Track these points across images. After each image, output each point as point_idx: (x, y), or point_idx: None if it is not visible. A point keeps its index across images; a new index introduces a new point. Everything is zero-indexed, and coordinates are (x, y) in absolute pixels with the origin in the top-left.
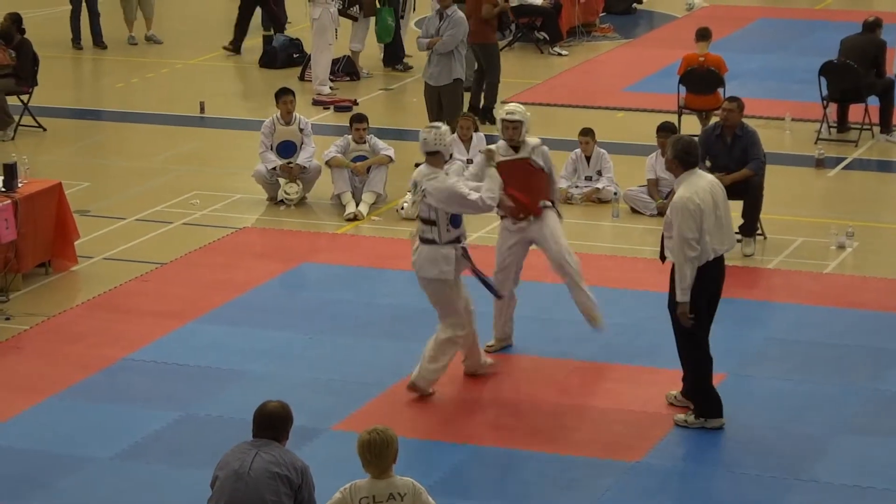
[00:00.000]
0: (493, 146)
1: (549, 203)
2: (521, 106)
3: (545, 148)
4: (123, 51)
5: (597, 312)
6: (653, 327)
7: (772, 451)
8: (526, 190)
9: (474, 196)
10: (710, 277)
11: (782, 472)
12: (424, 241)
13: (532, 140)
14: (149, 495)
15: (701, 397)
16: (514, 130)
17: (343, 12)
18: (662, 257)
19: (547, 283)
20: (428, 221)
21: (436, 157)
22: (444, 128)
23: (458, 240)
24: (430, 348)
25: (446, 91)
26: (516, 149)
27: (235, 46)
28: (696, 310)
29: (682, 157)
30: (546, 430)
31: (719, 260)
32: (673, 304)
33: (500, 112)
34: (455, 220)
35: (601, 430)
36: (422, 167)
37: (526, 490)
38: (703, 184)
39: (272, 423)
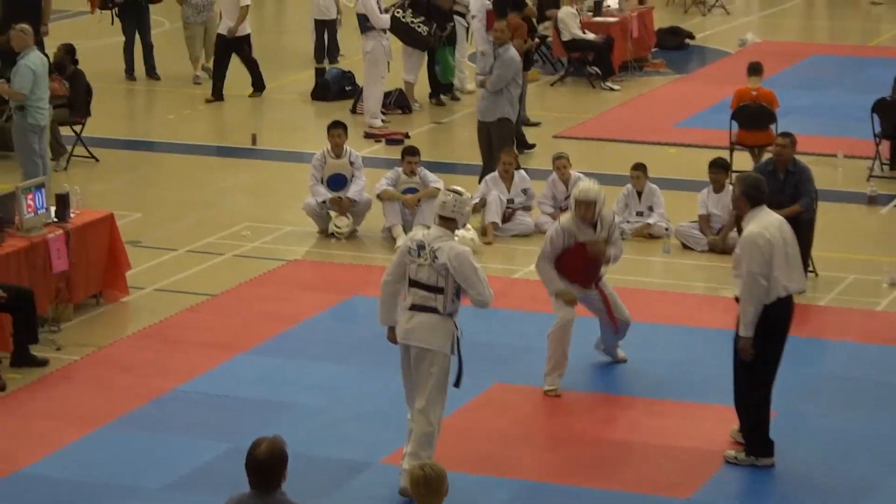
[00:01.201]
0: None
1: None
2: (595, 184)
3: (613, 214)
4: (176, 83)
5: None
6: (704, 363)
7: (822, 489)
8: (585, 270)
9: (484, 277)
10: (780, 316)
11: None
12: (423, 308)
13: (607, 214)
14: None
15: (755, 437)
16: (587, 210)
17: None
18: (737, 298)
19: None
20: (433, 289)
21: (450, 223)
22: (466, 196)
23: (453, 315)
24: (417, 432)
25: (494, 128)
26: (593, 226)
27: (217, 96)
28: (763, 349)
29: (751, 194)
30: (595, 467)
31: (789, 299)
32: (737, 341)
33: (575, 192)
34: (459, 293)
35: (651, 467)
36: (432, 230)
37: None
38: (772, 220)
39: (268, 470)
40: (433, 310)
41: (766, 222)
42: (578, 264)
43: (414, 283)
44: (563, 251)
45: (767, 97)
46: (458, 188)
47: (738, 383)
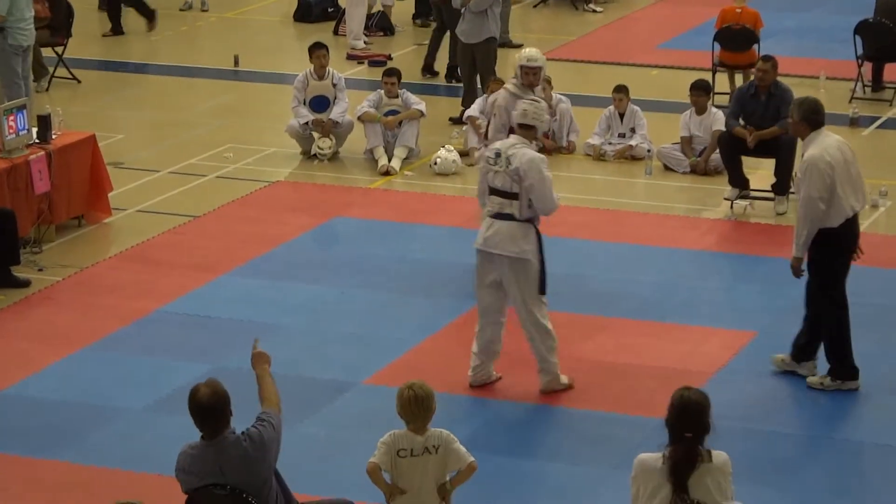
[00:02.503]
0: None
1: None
2: (538, 51)
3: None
4: (157, 3)
5: None
6: (685, 284)
7: (803, 409)
8: None
9: (551, 185)
10: (849, 235)
11: (814, 430)
12: (501, 216)
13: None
14: (180, 447)
15: (836, 360)
16: (535, 76)
17: None
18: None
19: (578, 239)
20: (508, 195)
21: (530, 131)
22: (545, 104)
23: (532, 220)
24: (538, 342)
25: (479, 49)
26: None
27: (116, 31)
28: (834, 268)
29: (810, 118)
30: (577, 386)
31: (855, 217)
32: (810, 264)
33: (519, 57)
34: None
35: (633, 387)
36: (510, 138)
37: (556, 445)
38: (831, 142)
39: (213, 412)
40: (510, 216)
41: (826, 144)
42: None
43: (493, 191)
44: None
45: (752, 17)
46: (537, 97)
47: (813, 308)
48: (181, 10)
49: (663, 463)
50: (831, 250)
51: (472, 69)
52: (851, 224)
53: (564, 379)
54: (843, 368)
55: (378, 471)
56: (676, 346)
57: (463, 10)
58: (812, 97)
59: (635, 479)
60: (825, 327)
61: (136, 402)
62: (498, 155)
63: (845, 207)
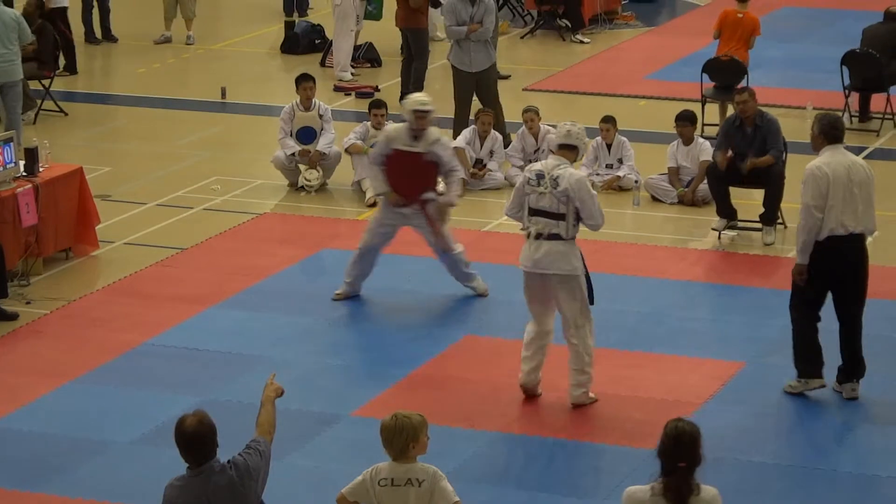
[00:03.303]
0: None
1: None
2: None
3: (445, 140)
4: (145, 36)
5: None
6: (673, 315)
7: (790, 440)
8: (409, 182)
9: (598, 202)
10: (836, 252)
11: (801, 461)
12: (549, 237)
13: (433, 132)
14: (168, 480)
15: (798, 357)
16: (426, 121)
17: None
18: None
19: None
20: (556, 216)
21: (570, 152)
22: (582, 126)
23: (574, 238)
24: (582, 354)
25: (484, 76)
26: (417, 140)
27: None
28: (814, 278)
29: (828, 132)
30: (565, 418)
31: (850, 239)
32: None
33: (409, 102)
34: (579, 219)
35: (620, 418)
36: (549, 159)
37: (544, 476)
38: (841, 159)
39: (199, 442)
40: (557, 236)
41: (834, 159)
42: (398, 172)
43: (536, 212)
44: (386, 157)
45: (751, 23)
46: (573, 122)
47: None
48: (156, 42)
49: (652, 494)
50: (815, 263)
51: (470, 96)
52: (841, 241)
53: (592, 394)
54: (804, 365)
55: (345, 501)
56: (664, 376)
57: (455, 42)
58: (834, 114)
59: None
60: (795, 332)
61: (123, 435)
62: (541, 176)
63: (832, 221)
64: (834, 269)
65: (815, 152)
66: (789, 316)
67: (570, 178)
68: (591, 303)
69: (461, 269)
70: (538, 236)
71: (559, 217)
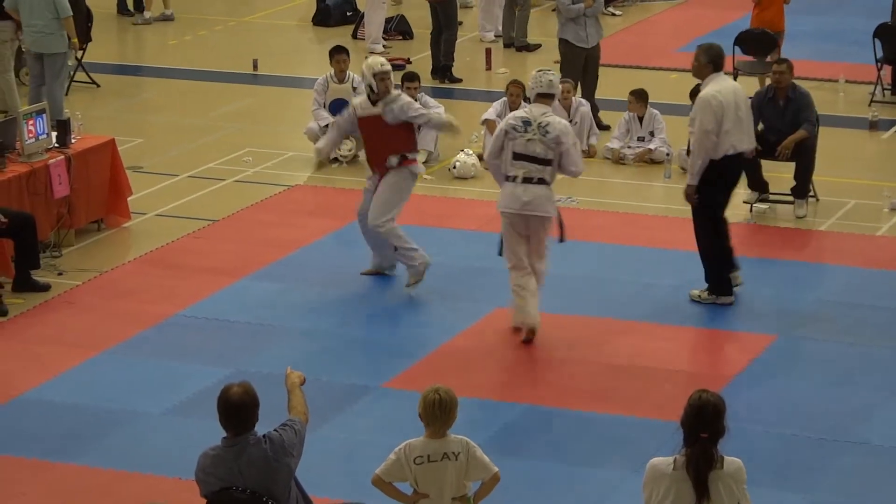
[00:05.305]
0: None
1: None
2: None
3: (404, 97)
4: (177, 8)
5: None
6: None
7: (821, 412)
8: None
9: (580, 150)
10: (730, 169)
11: (831, 433)
12: (537, 181)
13: (392, 94)
14: (199, 451)
15: (712, 276)
16: (389, 82)
17: None
18: (689, 151)
19: (595, 242)
20: (544, 161)
21: (548, 99)
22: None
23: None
24: (540, 275)
25: (595, 51)
26: (375, 103)
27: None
28: (711, 196)
29: (716, 61)
30: (595, 390)
31: (738, 157)
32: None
33: (371, 65)
34: (560, 165)
35: (650, 390)
36: (532, 107)
37: (574, 449)
38: (727, 85)
39: (242, 412)
40: (543, 181)
41: (722, 86)
42: (370, 139)
43: (522, 157)
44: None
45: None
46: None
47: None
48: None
49: (674, 468)
50: (713, 182)
51: (580, 74)
52: (732, 160)
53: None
54: (720, 285)
55: (382, 483)
56: (695, 350)
57: (570, 19)
58: (717, 44)
59: (647, 483)
60: (703, 250)
61: (154, 406)
62: (528, 123)
63: (725, 144)
64: (732, 181)
65: (699, 79)
66: (703, 241)
67: (559, 125)
68: (562, 240)
69: (384, 245)
70: (526, 180)
71: (546, 163)
